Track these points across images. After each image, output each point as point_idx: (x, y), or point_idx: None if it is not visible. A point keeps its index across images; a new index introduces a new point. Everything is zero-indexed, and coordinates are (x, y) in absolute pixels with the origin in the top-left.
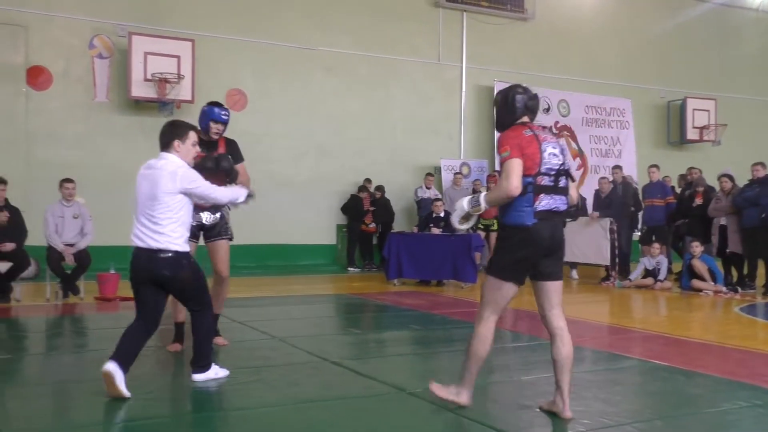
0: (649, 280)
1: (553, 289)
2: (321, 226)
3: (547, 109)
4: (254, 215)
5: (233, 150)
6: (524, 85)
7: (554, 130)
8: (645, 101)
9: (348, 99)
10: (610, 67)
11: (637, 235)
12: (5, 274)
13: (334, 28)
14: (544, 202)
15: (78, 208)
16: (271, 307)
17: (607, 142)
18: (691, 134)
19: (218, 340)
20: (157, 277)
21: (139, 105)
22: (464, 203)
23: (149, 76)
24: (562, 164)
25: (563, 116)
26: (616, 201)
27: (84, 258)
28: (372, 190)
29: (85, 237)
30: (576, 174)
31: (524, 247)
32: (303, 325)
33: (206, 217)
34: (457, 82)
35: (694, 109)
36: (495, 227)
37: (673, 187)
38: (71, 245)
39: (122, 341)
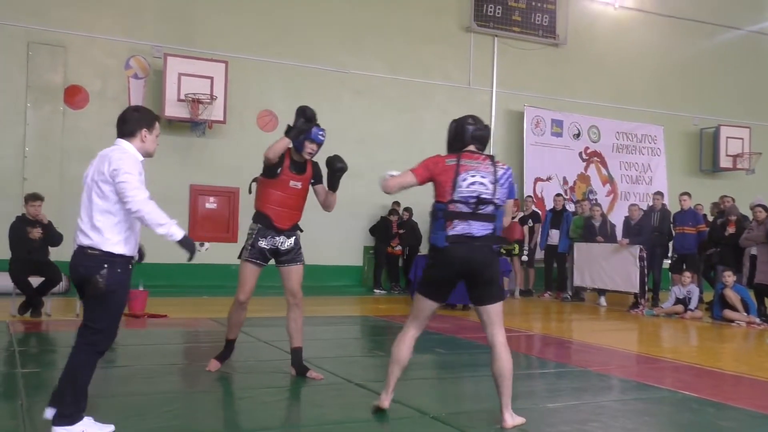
0: (680, 308)
1: (489, 311)
2: (348, 248)
3: (577, 135)
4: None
5: (317, 173)
6: (478, 117)
7: (584, 156)
8: (677, 128)
9: (378, 122)
10: (642, 93)
11: (667, 263)
12: (37, 288)
13: (365, 51)
14: (458, 228)
15: None
16: None
17: (637, 169)
18: (724, 162)
19: (312, 374)
20: (74, 276)
21: (172, 125)
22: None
23: (182, 97)
24: (491, 194)
25: (593, 142)
26: (647, 228)
27: None
28: (401, 212)
29: None
30: (605, 200)
31: (437, 267)
32: (328, 346)
33: (281, 242)
34: (487, 107)
35: (728, 137)
36: (517, 251)
37: (705, 215)
38: None
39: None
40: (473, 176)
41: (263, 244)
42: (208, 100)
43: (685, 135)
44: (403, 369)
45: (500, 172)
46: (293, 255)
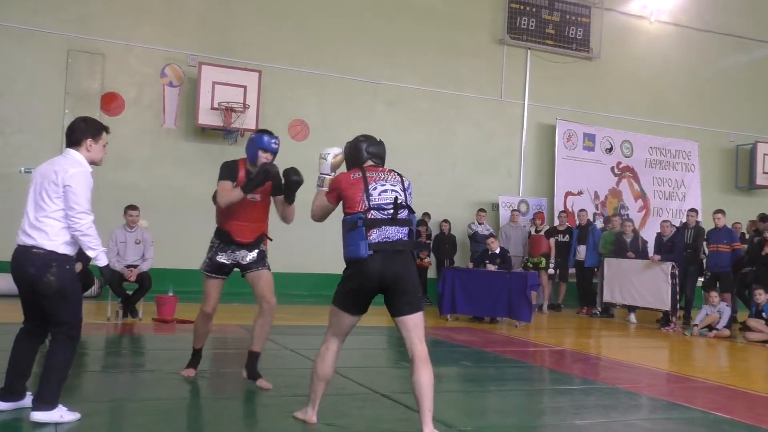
0: (715, 316)
1: (408, 323)
2: None
3: (610, 149)
4: (309, 244)
5: (277, 185)
6: (371, 136)
7: (616, 171)
8: (712, 144)
9: (409, 133)
10: (677, 108)
11: (700, 281)
12: None
13: (398, 62)
14: (374, 235)
15: (140, 233)
16: (322, 336)
17: (671, 185)
18: (761, 179)
19: (261, 383)
20: (23, 275)
21: (205, 132)
22: (324, 165)
23: (216, 105)
24: (400, 198)
25: (626, 157)
26: (680, 245)
27: (145, 280)
28: (429, 224)
29: (145, 261)
30: (637, 216)
31: (356, 279)
32: (354, 356)
33: (242, 256)
34: (519, 120)
35: (765, 154)
36: (543, 265)
37: (743, 234)
38: (133, 267)
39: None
40: (383, 185)
41: (222, 258)
42: (240, 109)
43: (720, 151)
44: (328, 384)
45: (406, 182)
46: (257, 264)
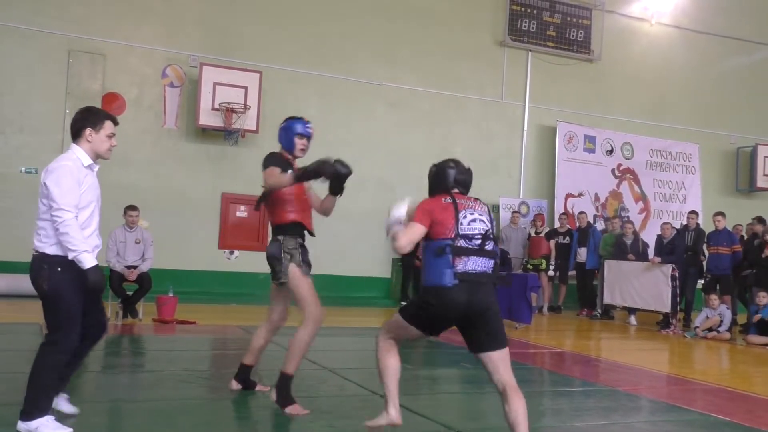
0: (716, 319)
1: (494, 357)
2: (377, 259)
3: (610, 151)
4: (312, 245)
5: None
6: (460, 161)
7: (617, 173)
8: (713, 146)
9: (410, 134)
10: (678, 110)
11: (701, 283)
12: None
13: (399, 64)
14: (466, 265)
15: (140, 233)
16: (324, 338)
17: (671, 187)
18: (762, 182)
19: (294, 409)
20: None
21: (206, 133)
22: (395, 217)
23: (217, 106)
24: (488, 230)
25: (626, 159)
26: (680, 247)
27: (145, 281)
28: None
29: (145, 261)
30: (637, 218)
31: (438, 307)
32: (354, 357)
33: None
34: (520, 121)
35: (766, 156)
36: (543, 266)
37: (743, 237)
38: (133, 267)
39: None
40: (472, 214)
41: (308, 256)
42: (241, 110)
43: (721, 153)
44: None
45: (491, 214)
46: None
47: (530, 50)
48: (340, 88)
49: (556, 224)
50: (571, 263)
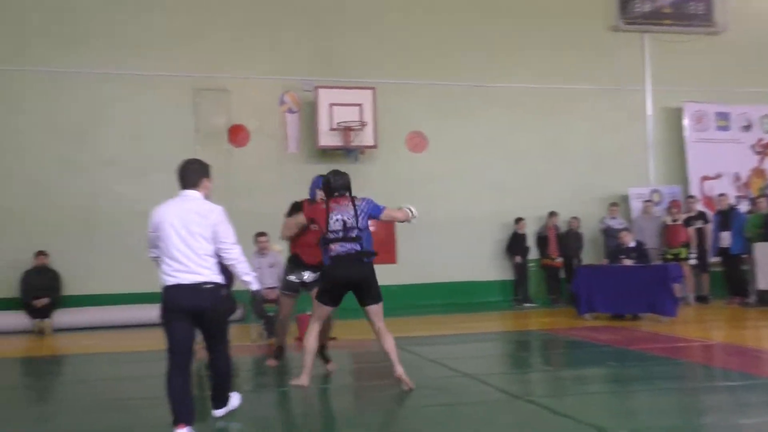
0: None
1: (371, 312)
2: (498, 262)
3: (748, 127)
4: (436, 254)
5: None
6: (339, 170)
7: (757, 149)
8: None
9: (525, 133)
10: None
11: None
12: None
13: (507, 63)
14: (335, 249)
15: (273, 257)
16: (458, 344)
17: None
18: None
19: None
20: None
21: (326, 153)
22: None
23: (335, 126)
24: (354, 223)
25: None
26: None
27: None
28: (557, 223)
29: None
30: None
31: (327, 280)
32: (492, 362)
33: (307, 276)
34: (640, 107)
35: None
36: (683, 255)
37: None
38: (272, 288)
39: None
40: (343, 215)
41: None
42: (358, 127)
43: None
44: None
45: (358, 204)
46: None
47: (645, 31)
48: (451, 95)
49: (693, 210)
50: (713, 249)
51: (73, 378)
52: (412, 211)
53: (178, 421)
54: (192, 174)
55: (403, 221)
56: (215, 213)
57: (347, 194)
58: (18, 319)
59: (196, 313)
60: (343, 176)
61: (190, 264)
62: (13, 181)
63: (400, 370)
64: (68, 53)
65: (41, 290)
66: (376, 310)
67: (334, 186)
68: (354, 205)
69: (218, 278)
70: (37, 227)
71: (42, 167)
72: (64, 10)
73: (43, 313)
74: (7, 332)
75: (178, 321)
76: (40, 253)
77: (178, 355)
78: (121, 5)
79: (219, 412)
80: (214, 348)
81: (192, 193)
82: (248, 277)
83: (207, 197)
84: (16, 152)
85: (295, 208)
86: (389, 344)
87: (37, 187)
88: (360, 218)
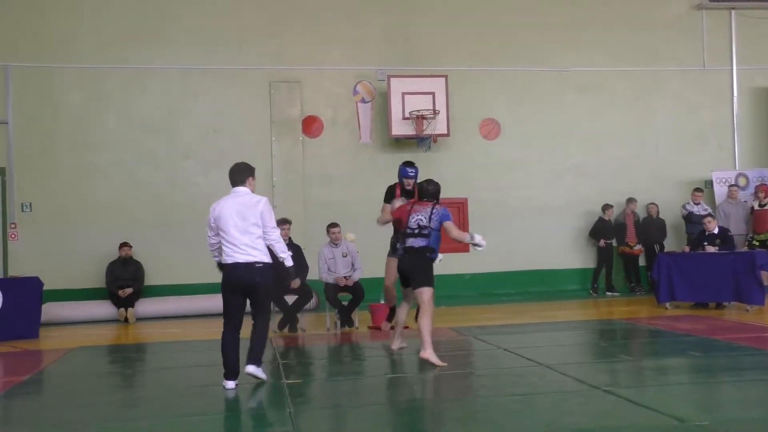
0: None
1: (415, 294)
2: (578, 250)
3: None
4: (511, 242)
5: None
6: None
7: None
8: None
9: (604, 117)
10: None
11: None
12: (292, 306)
13: (584, 46)
14: (409, 242)
15: (346, 246)
16: (535, 333)
17: None
18: None
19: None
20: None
21: (399, 142)
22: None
23: (407, 115)
24: (427, 223)
25: None
26: None
27: (358, 291)
28: (635, 209)
29: (356, 271)
30: None
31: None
32: (570, 351)
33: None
34: (727, 87)
35: None
36: None
37: None
38: (347, 277)
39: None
40: (421, 214)
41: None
42: (431, 115)
43: None
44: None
45: (437, 209)
46: None
47: (733, 8)
48: (526, 80)
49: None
50: None
51: (157, 365)
52: (473, 237)
53: (228, 376)
54: (241, 174)
55: (455, 239)
56: (262, 203)
57: (432, 201)
58: (104, 308)
59: (248, 286)
60: (435, 185)
61: (245, 247)
62: (98, 175)
63: (428, 351)
64: (148, 50)
65: (125, 280)
66: (419, 291)
67: (425, 192)
68: (432, 210)
69: (267, 259)
70: (121, 220)
71: (124, 161)
72: (146, 10)
73: (127, 302)
74: (94, 321)
75: (233, 293)
76: (124, 245)
77: (232, 319)
78: (198, 5)
79: (250, 368)
80: (258, 315)
81: (242, 189)
82: (284, 254)
83: (252, 192)
84: (101, 147)
85: (390, 192)
86: (424, 322)
87: (120, 181)
88: (433, 219)
